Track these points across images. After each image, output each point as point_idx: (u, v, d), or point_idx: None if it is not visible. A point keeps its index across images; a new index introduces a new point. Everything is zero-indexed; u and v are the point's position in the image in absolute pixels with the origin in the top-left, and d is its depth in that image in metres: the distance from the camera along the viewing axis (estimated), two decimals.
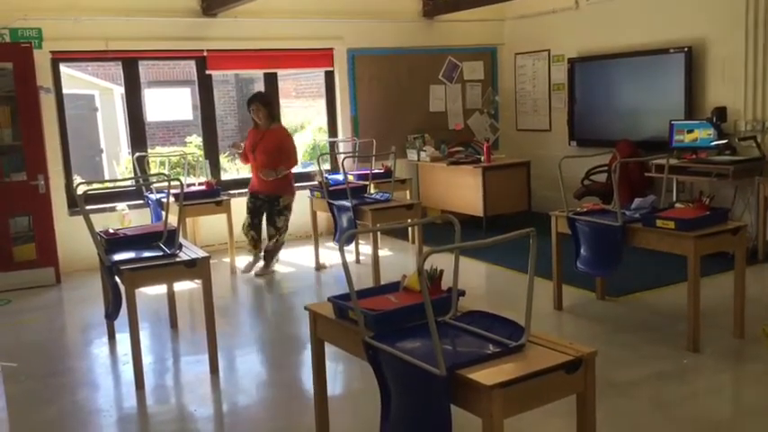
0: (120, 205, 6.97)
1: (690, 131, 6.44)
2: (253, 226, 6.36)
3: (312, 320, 3.01)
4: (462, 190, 7.73)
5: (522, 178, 7.80)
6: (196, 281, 4.27)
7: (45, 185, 6.29)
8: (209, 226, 7.18)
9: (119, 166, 11.07)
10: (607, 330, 4.60)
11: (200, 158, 7.73)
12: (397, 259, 6.79)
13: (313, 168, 8.05)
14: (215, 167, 7.51)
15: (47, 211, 6.34)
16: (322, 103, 8.41)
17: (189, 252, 4.20)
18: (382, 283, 4.44)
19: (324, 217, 7.15)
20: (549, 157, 7.62)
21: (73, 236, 6.43)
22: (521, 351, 2.37)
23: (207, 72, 7.45)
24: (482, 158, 7.79)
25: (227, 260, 6.61)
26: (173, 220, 4.77)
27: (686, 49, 6.65)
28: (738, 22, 6.23)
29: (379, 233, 6.59)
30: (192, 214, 6.63)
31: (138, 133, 7.34)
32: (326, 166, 7.89)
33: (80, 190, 4.26)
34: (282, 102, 8.27)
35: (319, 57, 8.00)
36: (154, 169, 7.71)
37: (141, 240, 4.46)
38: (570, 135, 8.03)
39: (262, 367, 4.40)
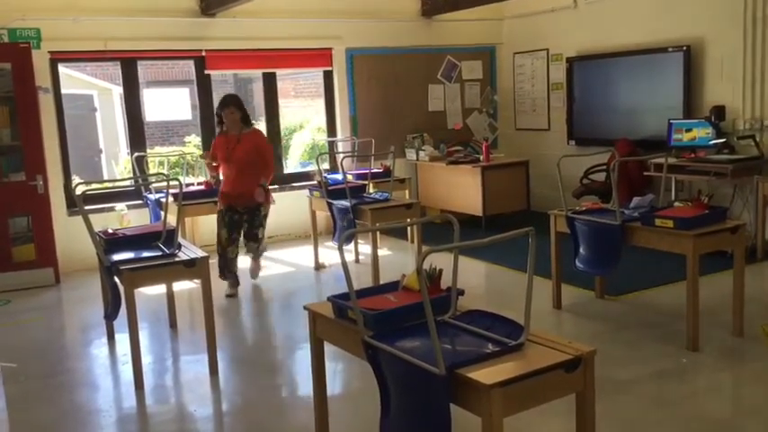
0: (119, 205, 6.97)
1: (688, 130, 6.44)
2: (231, 241, 5.68)
3: (311, 320, 3.01)
4: (461, 189, 7.74)
5: (521, 177, 7.81)
6: (195, 281, 4.27)
7: (44, 186, 6.29)
8: (208, 226, 7.16)
9: (117, 166, 11.05)
10: (606, 329, 4.61)
11: (199, 158, 7.72)
12: (396, 259, 6.80)
13: (312, 168, 8.04)
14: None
15: (46, 212, 6.34)
16: (321, 103, 8.41)
17: (188, 252, 4.20)
18: (381, 282, 4.44)
19: (323, 216, 7.15)
20: (548, 156, 7.63)
21: (72, 236, 6.44)
22: (520, 350, 2.37)
23: (206, 72, 7.45)
24: (481, 158, 7.79)
25: None
26: (172, 219, 4.77)
27: (685, 48, 6.65)
28: (737, 21, 6.24)
29: (378, 233, 6.60)
30: (191, 214, 6.64)
31: (137, 133, 7.34)
32: (325, 166, 7.89)
33: (79, 190, 4.26)
34: (281, 101, 8.27)
35: (318, 56, 8.00)
36: (153, 169, 7.71)
37: (140, 240, 4.46)
38: (569, 134, 8.04)
39: (261, 367, 4.40)
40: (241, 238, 5.79)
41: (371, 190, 6.61)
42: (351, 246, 6.84)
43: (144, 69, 9.77)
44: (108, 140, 12.00)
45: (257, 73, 8.46)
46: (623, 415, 3.39)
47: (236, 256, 5.76)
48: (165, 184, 5.14)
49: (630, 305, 5.07)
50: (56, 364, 4.47)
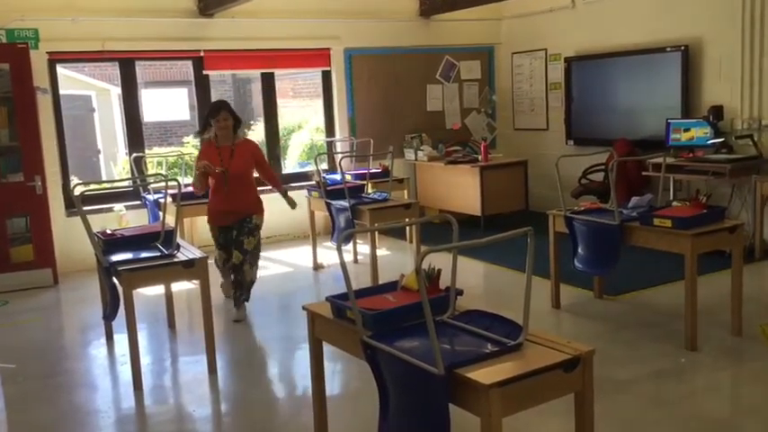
0: (118, 206, 6.96)
1: (686, 130, 6.44)
2: (229, 262, 5.20)
3: (310, 320, 3.01)
4: (460, 189, 7.74)
5: (520, 177, 7.81)
6: (194, 281, 4.27)
7: (42, 186, 6.28)
8: (207, 226, 7.15)
9: (116, 166, 11.04)
10: (605, 329, 4.61)
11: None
12: (394, 259, 6.79)
13: (310, 168, 8.04)
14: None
15: (44, 212, 6.34)
16: (319, 103, 8.41)
17: (186, 252, 4.19)
18: (380, 282, 4.44)
19: (321, 217, 7.15)
20: (547, 156, 7.63)
21: (70, 237, 6.43)
22: (519, 350, 2.37)
23: (204, 72, 7.45)
24: (479, 158, 7.80)
25: None
26: (170, 220, 4.77)
27: (683, 48, 6.66)
28: (735, 21, 6.24)
29: (376, 233, 6.60)
30: (190, 214, 6.62)
31: (136, 134, 7.33)
32: (324, 166, 7.89)
33: (77, 191, 4.25)
34: (280, 102, 8.28)
35: (316, 57, 8.00)
36: (151, 170, 7.70)
37: (139, 241, 4.46)
38: (567, 134, 8.04)
39: (260, 367, 4.40)
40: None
41: (370, 190, 6.61)
42: (349, 246, 6.84)
43: (142, 70, 9.78)
44: (106, 141, 11.98)
45: (255, 73, 8.46)
46: (622, 415, 3.39)
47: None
48: (163, 184, 5.13)
49: (629, 305, 5.08)
50: (54, 365, 4.47)
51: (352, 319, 2.62)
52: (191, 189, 6.67)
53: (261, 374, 4.30)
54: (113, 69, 8.63)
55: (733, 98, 6.34)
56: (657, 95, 7.00)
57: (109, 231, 4.74)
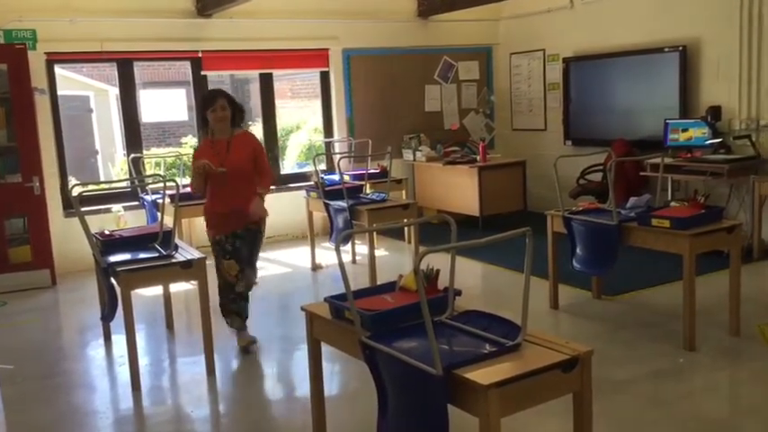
0: (116, 206, 6.96)
1: (684, 130, 6.45)
2: (241, 271, 4.50)
3: (308, 321, 3.01)
4: (458, 190, 7.74)
5: (518, 178, 7.81)
6: (192, 282, 4.27)
7: (40, 187, 6.27)
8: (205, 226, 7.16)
9: (114, 167, 11.03)
10: (603, 329, 4.61)
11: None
12: (393, 259, 6.79)
13: (309, 169, 8.04)
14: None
15: (42, 213, 6.33)
16: (317, 104, 8.41)
17: (185, 253, 4.19)
18: (379, 283, 4.44)
19: (320, 217, 7.14)
20: (545, 156, 7.63)
21: (68, 237, 6.43)
22: (517, 350, 2.37)
23: (202, 73, 7.44)
24: (478, 158, 7.80)
25: None
26: (168, 221, 4.76)
27: (681, 49, 6.66)
28: (732, 22, 6.25)
29: (375, 233, 6.59)
30: (188, 215, 6.61)
31: (134, 134, 7.33)
32: (322, 167, 7.88)
33: (75, 191, 4.24)
34: (278, 102, 8.27)
35: (315, 57, 8.00)
36: (149, 170, 7.69)
37: (137, 242, 4.46)
38: (565, 134, 8.04)
39: (258, 368, 4.39)
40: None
41: (368, 190, 6.61)
42: (348, 246, 6.83)
43: (140, 70, 9.75)
44: (104, 142, 11.97)
45: (254, 74, 8.46)
46: (620, 415, 3.40)
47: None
48: (161, 185, 5.13)
49: (627, 305, 5.08)
50: (53, 366, 4.46)
51: (350, 319, 2.62)
52: (189, 189, 6.70)
53: (259, 375, 4.30)
54: (111, 70, 8.62)
55: (731, 98, 6.35)
56: (655, 96, 7.00)
57: (107, 232, 4.74)
